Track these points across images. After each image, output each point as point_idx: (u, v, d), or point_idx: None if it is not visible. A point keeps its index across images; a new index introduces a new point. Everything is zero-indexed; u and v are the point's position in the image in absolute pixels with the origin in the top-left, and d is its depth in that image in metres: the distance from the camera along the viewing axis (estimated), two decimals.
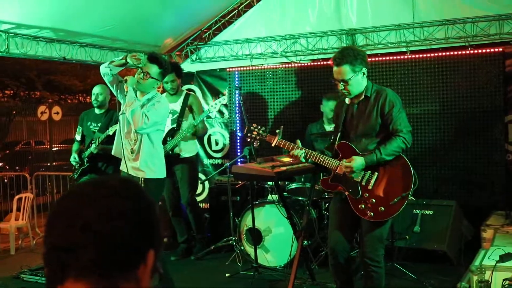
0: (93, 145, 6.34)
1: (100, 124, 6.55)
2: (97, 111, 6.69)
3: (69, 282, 1.10)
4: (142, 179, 4.87)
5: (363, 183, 4.25)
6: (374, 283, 4.30)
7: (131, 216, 1.15)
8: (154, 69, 4.90)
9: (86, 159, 6.48)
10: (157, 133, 5.00)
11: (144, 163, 4.90)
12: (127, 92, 4.84)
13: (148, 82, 4.90)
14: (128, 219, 1.14)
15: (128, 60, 4.89)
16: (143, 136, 4.90)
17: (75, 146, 6.79)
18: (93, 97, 6.65)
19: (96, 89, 6.66)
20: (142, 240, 1.16)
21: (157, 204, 1.33)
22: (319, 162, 4.39)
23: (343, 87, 4.30)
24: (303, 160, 4.44)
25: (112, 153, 5.21)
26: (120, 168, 5.11)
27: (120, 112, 5.00)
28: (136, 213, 1.16)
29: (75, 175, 6.61)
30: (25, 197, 8.23)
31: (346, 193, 4.34)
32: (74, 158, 6.59)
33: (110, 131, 6.17)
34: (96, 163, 6.49)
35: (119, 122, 5.05)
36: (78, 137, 6.79)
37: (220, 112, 8.24)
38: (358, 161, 4.21)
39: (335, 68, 4.31)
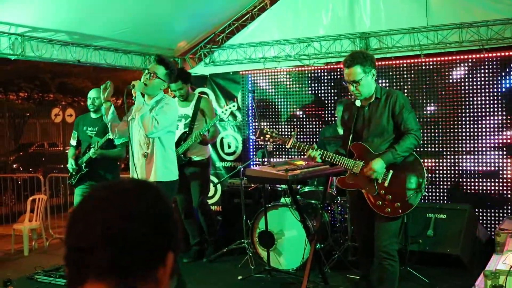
0: (92, 150, 6.16)
1: (96, 128, 6.36)
2: (93, 115, 6.49)
3: (88, 283, 1.12)
4: (156, 183, 4.78)
5: (379, 181, 4.39)
6: (390, 276, 4.39)
7: (149, 218, 1.16)
8: (160, 70, 4.92)
9: (84, 164, 6.28)
10: (168, 136, 5.00)
11: (157, 166, 4.91)
12: (134, 97, 4.80)
13: (155, 83, 4.90)
14: (146, 221, 1.15)
15: (102, 97, 5.03)
16: (155, 140, 4.90)
17: (71, 152, 6.57)
18: (89, 102, 6.45)
19: (92, 94, 6.45)
20: (160, 242, 1.17)
21: (171, 205, 1.34)
22: (336, 162, 4.51)
23: (354, 88, 4.44)
24: (320, 160, 4.54)
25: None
26: (131, 175, 5.06)
27: (130, 118, 4.95)
28: (154, 215, 1.17)
29: (73, 181, 6.40)
30: (39, 199, 8.28)
31: (363, 191, 4.47)
32: (71, 164, 6.37)
33: (110, 135, 6.01)
34: (94, 169, 6.28)
35: (129, 127, 4.97)
36: (73, 142, 6.56)
37: (233, 115, 8.25)
38: (379, 164, 4.33)
39: (346, 70, 4.46)
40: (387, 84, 7.13)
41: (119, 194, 1.19)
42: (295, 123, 7.92)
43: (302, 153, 4.77)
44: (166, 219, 1.20)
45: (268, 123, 8.10)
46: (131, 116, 4.96)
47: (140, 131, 4.92)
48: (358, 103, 4.54)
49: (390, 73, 7.16)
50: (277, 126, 8.06)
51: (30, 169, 16.68)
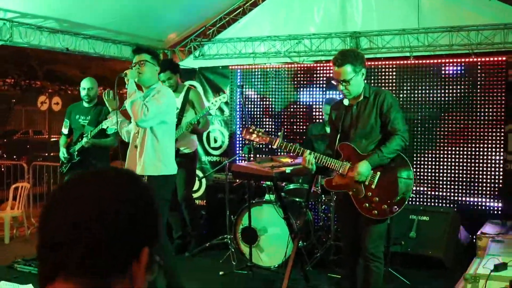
0: (85, 139, 6.16)
1: (89, 117, 6.37)
2: (85, 104, 6.50)
3: (58, 281, 1.09)
4: (146, 176, 4.65)
5: (366, 183, 4.33)
6: (375, 278, 4.37)
7: (123, 214, 1.12)
8: (144, 56, 4.78)
9: (76, 153, 6.29)
10: (161, 126, 4.75)
11: (148, 159, 4.71)
12: (127, 85, 4.65)
13: (147, 68, 4.76)
14: (118, 217, 1.11)
15: (108, 106, 5.10)
16: (147, 130, 4.70)
17: (62, 140, 6.59)
18: (84, 92, 6.45)
19: (87, 83, 6.46)
20: (134, 238, 1.13)
21: (153, 199, 1.28)
22: (324, 164, 4.44)
23: (343, 87, 4.37)
24: (314, 168, 4.43)
25: None
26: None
27: (123, 107, 4.89)
28: (129, 211, 1.13)
29: (64, 170, 6.41)
30: (22, 187, 8.21)
31: (350, 192, 4.41)
32: (63, 153, 6.39)
33: (104, 125, 5.96)
34: (86, 157, 6.28)
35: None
36: (65, 131, 6.57)
37: (220, 109, 8.23)
38: (364, 166, 4.28)
39: (336, 69, 4.38)
40: (377, 85, 7.13)
41: (92, 189, 1.15)
42: (282, 119, 7.91)
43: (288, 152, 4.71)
44: (141, 215, 1.16)
45: (255, 119, 8.09)
46: (123, 105, 4.86)
47: (132, 120, 4.76)
48: (346, 102, 4.47)
49: (380, 73, 7.17)
50: (264, 122, 8.05)
51: (14, 157, 16.54)
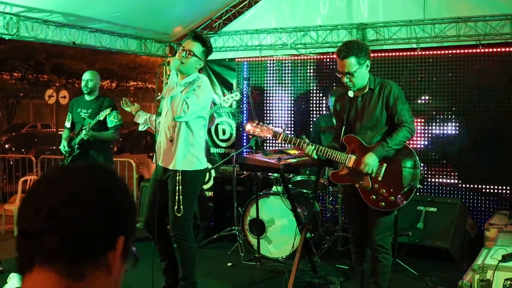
0: (84, 131, 6.17)
1: (90, 110, 6.36)
2: (87, 97, 6.48)
3: (36, 269, 1.10)
4: (180, 171, 4.59)
5: (373, 175, 4.31)
6: (383, 269, 4.37)
7: (100, 204, 1.14)
8: (197, 47, 4.61)
9: (76, 146, 6.29)
10: (197, 121, 4.62)
11: (179, 153, 4.59)
12: (169, 75, 4.45)
13: (191, 61, 4.59)
14: (94, 206, 1.13)
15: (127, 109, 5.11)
16: (182, 124, 4.57)
17: (65, 134, 6.60)
18: (83, 83, 6.44)
19: (87, 75, 6.44)
20: (109, 227, 1.15)
21: (129, 191, 1.29)
22: (329, 157, 4.42)
23: (348, 80, 4.33)
24: (315, 157, 4.43)
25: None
26: (153, 162, 4.90)
27: (160, 97, 4.73)
28: (105, 200, 1.15)
29: (66, 163, 6.39)
30: (30, 180, 8.26)
31: (357, 185, 4.39)
32: (63, 146, 6.40)
33: (101, 116, 6.03)
34: (87, 151, 6.28)
35: (161, 108, 4.76)
36: (68, 124, 6.58)
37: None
38: (371, 158, 4.26)
39: (340, 61, 4.33)
40: (384, 77, 7.12)
41: (69, 178, 1.17)
42: (289, 111, 7.91)
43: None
44: (118, 204, 1.18)
45: (262, 111, 8.09)
46: (161, 95, 4.70)
47: (168, 113, 4.59)
48: (351, 93, 4.44)
49: (386, 65, 7.15)
50: (271, 115, 8.05)
51: (22, 150, 16.62)
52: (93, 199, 1.13)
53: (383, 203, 4.28)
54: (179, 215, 4.60)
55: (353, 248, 4.70)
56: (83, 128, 6.24)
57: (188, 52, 4.56)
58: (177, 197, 4.59)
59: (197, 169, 4.67)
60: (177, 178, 4.60)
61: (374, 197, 4.31)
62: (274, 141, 7.87)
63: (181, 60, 4.55)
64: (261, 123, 4.74)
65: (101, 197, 1.15)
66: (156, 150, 4.80)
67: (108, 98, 6.56)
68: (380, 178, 4.29)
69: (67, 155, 6.41)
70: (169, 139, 4.64)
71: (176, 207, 4.59)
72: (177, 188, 4.59)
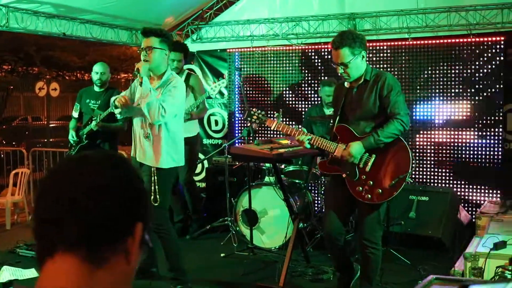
0: (94, 122, 6.25)
1: (99, 101, 6.46)
2: (96, 89, 6.58)
3: (58, 255, 1.13)
4: (154, 168, 4.68)
5: (361, 165, 4.29)
6: (372, 264, 4.37)
7: (115, 191, 1.17)
8: (152, 40, 4.65)
9: (84, 136, 6.42)
10: (174, 119, 4.72)
11: (158, 151, 4.68)
12: (141, 83, 4.50)
13: (155, 56, 4.64)
14: (112, 193, 1.16)
15: (116, 104, 4.78)
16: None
17: (72, 123, 6.69)
18: (96, 76, 6.51)
19: (100, 68, 6.52)
20: (128, 214, 1.18)
21: (141, 176, 1.34)
22: (319, 146, 4.40)
23: (342, 71, 4.31)
24: (308, 146, 4.43)
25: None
26: (131, 155, 4.94)
27: (135, 104, 4.78)
28: (121, 188, 1.19)
29: (73, 152, 6.52)
30: (22, 173, 8.23)
31: (344, 175, 4.37)
32: (72, 136, 6.51)
33: (113, 109, 6.09)
34: (95, 141, 6.42)
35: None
36: (75, 114, 6.68)
37: (220, 92, 8.21)
38: (356, 147, 4.24)
39: (334, 52, 4.31)
40: (375, 67, 7.12)
41: (87, 166, 1.20)
42: (281, 102, 7.90)
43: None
44: (133, 191, 1.21)
45: (254, 102, 8.08)
46: (136, 102, 4.76)
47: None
48: (347, 84, 4.44)
49: (378, 54, 7.15)
50: (263, 105, 8.04)
51: (13, 143, 16.54)
52: (111, 187, 1.17)
53: (369, 195, 4.24)
54: (156, 204, 4.66)
55: (327, 244, 4.66)
56: (93, 118, 6.31)
57: (147, 49, 4.63)
58: (152, 188, 4.65)
59: (171, 167, 4.78)
60: (152, 169, 4.70)
61: (360, 188, 4.28)
62: (266, 131, 7.87)
63: (145, 59, 4.61)
64: (257, 112, 4.79)
65: (119, 184, 1.19)
66: (133, 144, 4.89)
67: (118, 90, 6.59)
68: (368, 169, 4.26)
69: (74, 144, 6.52)
70: (145, 135, 4.72)
71: (152, 197, 4.63)
72: (152, 178, 4.67)
